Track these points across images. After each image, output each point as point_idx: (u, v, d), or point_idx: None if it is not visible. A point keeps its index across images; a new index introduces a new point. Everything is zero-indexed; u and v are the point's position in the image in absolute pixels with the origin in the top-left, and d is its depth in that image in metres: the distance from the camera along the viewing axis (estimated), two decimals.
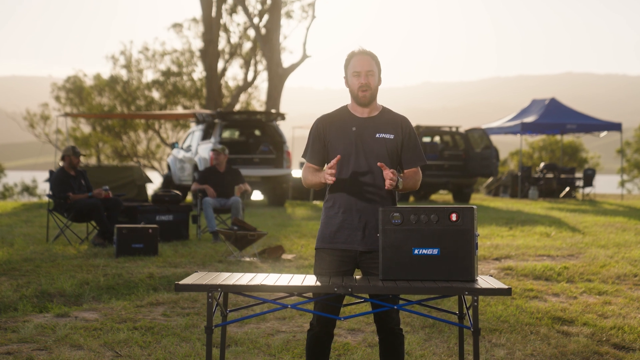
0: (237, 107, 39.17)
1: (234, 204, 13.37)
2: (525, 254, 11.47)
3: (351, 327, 7.20)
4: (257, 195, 24.29)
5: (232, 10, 39.30)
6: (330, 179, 4.80)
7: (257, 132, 22.94)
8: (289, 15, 37.81)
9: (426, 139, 26.71)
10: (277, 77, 32.20)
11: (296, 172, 24.60)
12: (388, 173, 4.76)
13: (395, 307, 4.76)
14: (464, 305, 4.91)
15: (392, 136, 4.95)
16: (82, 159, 39.20)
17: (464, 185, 25.75)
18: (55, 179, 12.72)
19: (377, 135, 4.94)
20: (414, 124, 25.71)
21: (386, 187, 4.79)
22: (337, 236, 4.96)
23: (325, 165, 5.02)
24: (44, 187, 34.42)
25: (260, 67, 39.57)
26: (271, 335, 6.93)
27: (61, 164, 12.89)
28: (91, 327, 7.08)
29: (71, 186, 12.66)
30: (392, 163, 4.95)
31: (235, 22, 40.83)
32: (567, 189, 28.67)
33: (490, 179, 31.25)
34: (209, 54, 34.20)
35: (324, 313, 4.91)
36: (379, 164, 4.81)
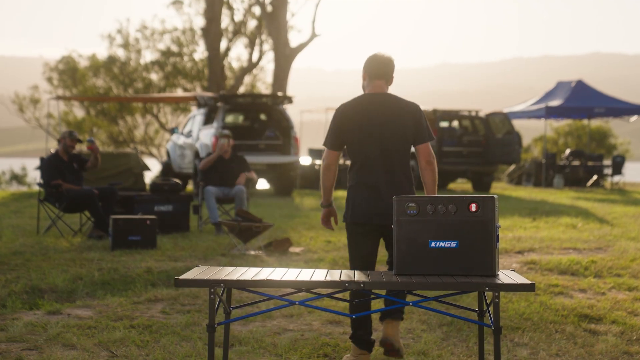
0: (241, 90, 39.16)
1: (237, 194, 13.37)
2: (549, 247, 11.46)
3: None
4: (262, 184, 24.30)
5: None
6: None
7: (262, 117, 22.93)
8: None
9: (444, 124, 26.67)
10: (284, 57, 32.18)
11: (304, 160, 24.58)
12: None
13: (411, 303, 4.76)
14: (484, 302, 4.90)
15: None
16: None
17: (484, 173, 25.72)
18: (46, 164, 12.75)
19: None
20: (430, 107, 25.77)
21: None
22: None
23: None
24: (34, 175, 34.44)
25: (266, 46, 39.54)
26: (277, 334, 6.92)
27: (52, 150, 12.90)
28: (85, 325, 7.09)
29: (62, 172, 12.67)
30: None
31: None
32: (595, 177, 28.62)
33: (513, 167, 31.21)
34: (211, 32, 34.16)
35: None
36: None
